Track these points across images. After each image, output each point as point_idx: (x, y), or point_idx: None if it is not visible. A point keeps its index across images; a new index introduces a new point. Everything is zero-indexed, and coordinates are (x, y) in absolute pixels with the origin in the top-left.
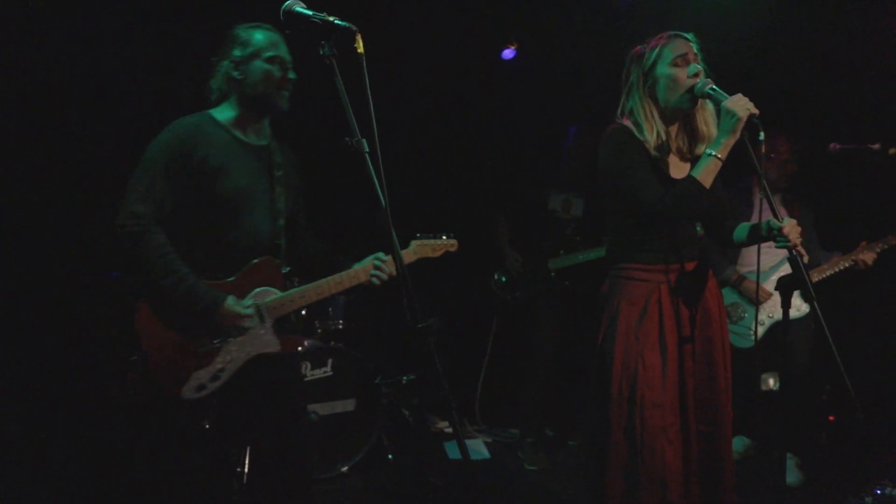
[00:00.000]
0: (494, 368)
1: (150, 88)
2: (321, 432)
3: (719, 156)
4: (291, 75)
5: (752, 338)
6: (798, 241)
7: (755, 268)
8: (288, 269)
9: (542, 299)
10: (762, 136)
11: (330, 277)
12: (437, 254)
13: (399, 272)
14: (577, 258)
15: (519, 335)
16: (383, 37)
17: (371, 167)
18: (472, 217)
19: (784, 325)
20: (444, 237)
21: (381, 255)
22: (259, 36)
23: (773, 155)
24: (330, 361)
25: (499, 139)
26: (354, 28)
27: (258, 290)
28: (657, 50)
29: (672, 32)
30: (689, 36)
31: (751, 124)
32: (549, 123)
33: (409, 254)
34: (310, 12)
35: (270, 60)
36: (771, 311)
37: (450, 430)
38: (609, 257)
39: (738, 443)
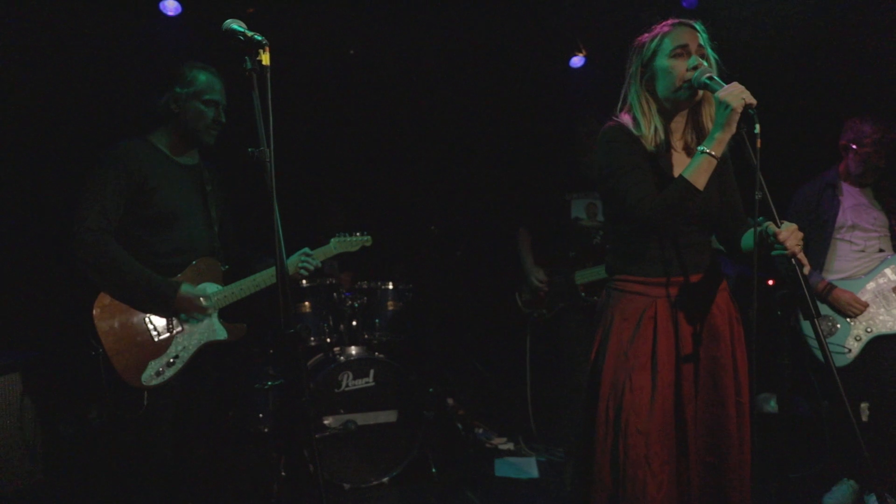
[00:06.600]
0: (547, 384)
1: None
2: (360, 442)
3: (713, 153)
4: (222, 118)
5: (847, 356)
6: (797, 248)
7: (848, 274)
8: (227, 266)
9: (571, 315)
10: (758, 128)
11: (263, 272)
12: (355, 248)
13: (280, 278)
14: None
15: (554, 352)
16: (407, 43)
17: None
18: (496, 230)
19: (824, 348)
20: (359, 234)
21: (306, 249)
22: (202, 78)
23: (854, 146)
24: (372, 372)
25: (512, 144)
26: (265, 42)
27: (203, 284)
28: (657, 40)
29: (677, 20)
30: (697, 25)
31: (746, 116)
32: (563, 122)
33: (330, 249)
34: (240, 29)
35: (207, 103)
36: (869, 324)
37: (506, 446)
38: (607, 268)
39: (846, 489)
